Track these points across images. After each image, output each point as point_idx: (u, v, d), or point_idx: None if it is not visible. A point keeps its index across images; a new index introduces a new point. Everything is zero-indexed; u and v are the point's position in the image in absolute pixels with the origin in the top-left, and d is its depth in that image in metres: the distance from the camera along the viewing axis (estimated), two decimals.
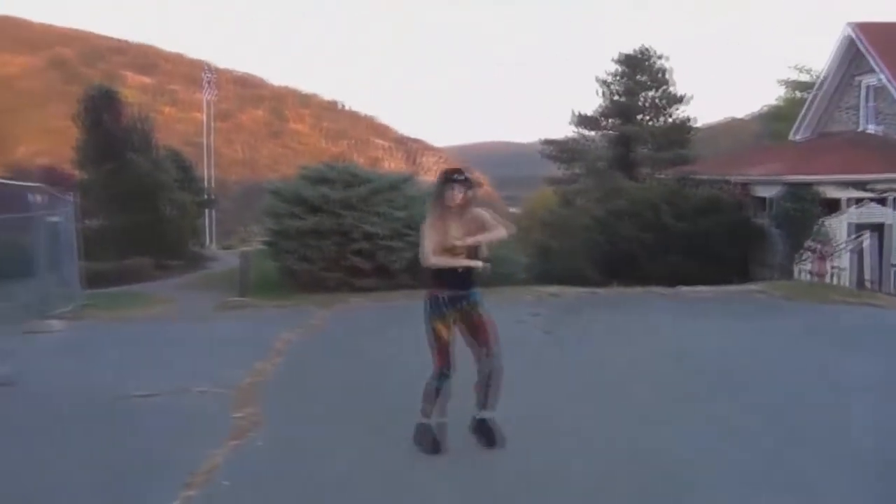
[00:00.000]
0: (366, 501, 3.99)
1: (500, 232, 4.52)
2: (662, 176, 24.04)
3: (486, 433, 4.59)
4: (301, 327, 9.16)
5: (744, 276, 15.16)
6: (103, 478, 4.36)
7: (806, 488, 3.98)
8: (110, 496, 4.04)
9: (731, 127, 54.12)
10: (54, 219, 13.58)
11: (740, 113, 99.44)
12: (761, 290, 10.35)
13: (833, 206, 15.54)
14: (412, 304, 6.38)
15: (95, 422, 5.49)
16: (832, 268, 14.24)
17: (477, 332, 4.55)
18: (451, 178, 4.43)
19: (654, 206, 17.52)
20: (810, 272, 14.22)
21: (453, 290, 4.48)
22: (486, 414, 4.60)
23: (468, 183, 4.47)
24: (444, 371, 4.48)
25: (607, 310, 9.63)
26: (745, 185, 18.16)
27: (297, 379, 6.67)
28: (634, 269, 16.21)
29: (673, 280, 11.57)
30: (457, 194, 4.40)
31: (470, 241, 4.40)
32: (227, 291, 13.10)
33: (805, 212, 15.26)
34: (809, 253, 14.58)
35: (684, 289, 10.65)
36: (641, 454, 4.44)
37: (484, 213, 4.56)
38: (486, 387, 4.57)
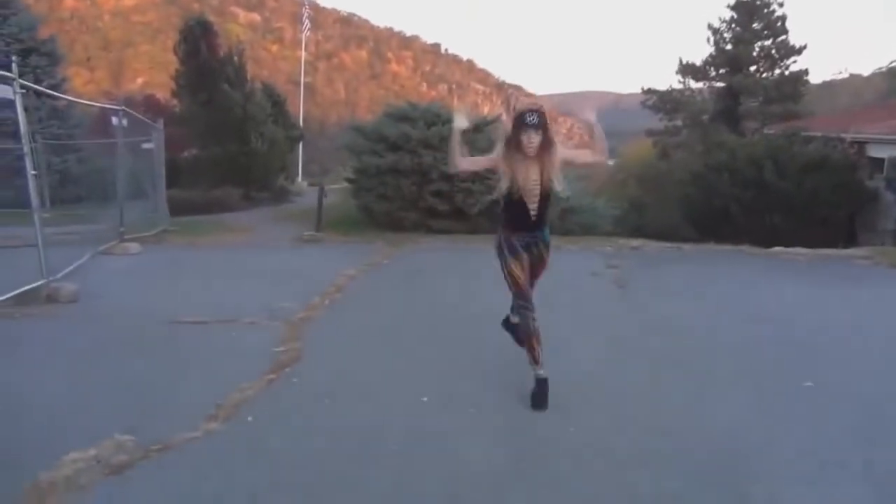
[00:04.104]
0: (385, 455, 3.61)
1: (584, 154, 4.35)
2: (770, 131, 22.52)
3: (543, 395, 4.16)
4: (366, 265, 9.04)
5: (850, 241, 14.11)
6: (128, 402, 4.25)
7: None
8: (130, 421, 3.89)
9: (851, 83, 50.20)
10: (148, 146, 13.83)
11: (864, 69, 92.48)
12: (865, 256, 9.44)
13: None
14: (484, 248, 6.06)
15: (139, 345, 5.46)
16: None
17: (538, 271, 4.35)
18: (525, 121, 3.96)
19: (756, 162, 16.39)
20: None
21: (528, 232, 4.23)
22: (542, 373, 4.18)
23: (545, 124, 4.00)
24: (523, 304, 4.21)
25: (689, 267, 9.00)
26: (860, 143, 16.75)
27: (349, 316, 6.47)
28: (731, 227, 15.31)
29: (771, 241, 10.80)
30: (533, 139, 3.97)
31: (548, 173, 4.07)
32: (306, 225, 13.08)
33: None
34: None
35: (778, 249, 9.86)
36: (687, 428, 3.96)
37: (564, 150, 4.26)
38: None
